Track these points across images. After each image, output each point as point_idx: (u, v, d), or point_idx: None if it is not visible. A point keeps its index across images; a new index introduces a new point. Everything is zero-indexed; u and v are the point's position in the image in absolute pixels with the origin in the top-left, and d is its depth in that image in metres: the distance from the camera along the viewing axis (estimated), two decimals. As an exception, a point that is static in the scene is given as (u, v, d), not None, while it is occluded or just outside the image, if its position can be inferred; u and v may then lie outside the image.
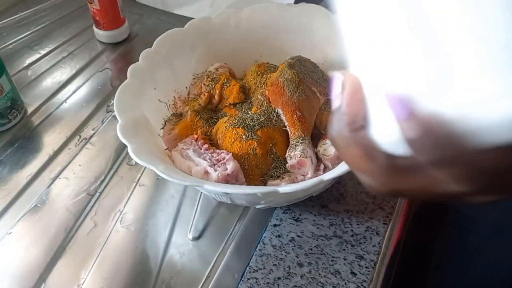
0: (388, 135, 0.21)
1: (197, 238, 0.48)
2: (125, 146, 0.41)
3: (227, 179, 0.43)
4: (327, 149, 0.45)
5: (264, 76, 0.52)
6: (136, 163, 0.55)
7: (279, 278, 0.44)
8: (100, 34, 0.74)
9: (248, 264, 0.46)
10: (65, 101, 0.65)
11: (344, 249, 0.46)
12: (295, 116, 0.46)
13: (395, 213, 0.49)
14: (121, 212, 0.51)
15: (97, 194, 0.53)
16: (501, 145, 0.19)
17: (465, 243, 0.60)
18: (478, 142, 0.19)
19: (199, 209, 0.51)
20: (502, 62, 0.19)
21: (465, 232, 0.60)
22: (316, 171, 0.44)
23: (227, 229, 0.49)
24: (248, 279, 0.44)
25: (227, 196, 0.44)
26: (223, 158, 0.44)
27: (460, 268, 0.60)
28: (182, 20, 0.76)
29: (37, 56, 0.73)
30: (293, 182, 0.44)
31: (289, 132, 0.47)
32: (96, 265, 0.46)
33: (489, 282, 0.56)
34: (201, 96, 0.52)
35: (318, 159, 0.46)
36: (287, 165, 0.45)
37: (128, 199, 0.52)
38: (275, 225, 0.49)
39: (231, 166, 0.43)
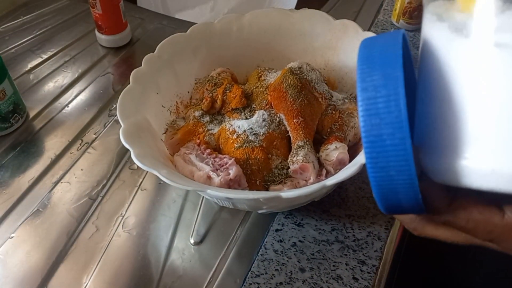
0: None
1: (199, 243, 0.48)
2: (127, 151, 0.41)
3: (230, 184, 0.43)
4: (329, 154, 0.45)
5: (266, 81, 0.52)
6: (138, 167, 0.55)
7: (281, 283, 0.44)
8: (102, 38, 0.75)
9: (250, 269, 0.46)
10: (67, 105, 0.65)
11: (346, 254, 0.46)
12: (297, 121, 0.46)
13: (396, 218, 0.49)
14: (123, 216, 0.51)
15: (99, 198, 0.53)
16: None
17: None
18: None
19: (201, 213, 0.51)
20: None
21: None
22: (318, 176, 0.44)
23: (229, 234, 0.49)
24: (250, 284, 0.44)
25: (229, 201, 0.44)
26: (226, 163, 0.44)
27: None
28: (183, 25, 0.77)
29: (39, 60, 0.73)
30: (295, 187, 0.44)
31: (291, 137, 0.47)
32: (98, 270, 0.46)
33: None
34: (203, 101, 0.52)
35: (320, 164, 0.46)
36: (289, 170, 0.45)
37: (130, 203, 0.52)
38: (277, 230, 0.49)
39: (233, 171, 0.43)
